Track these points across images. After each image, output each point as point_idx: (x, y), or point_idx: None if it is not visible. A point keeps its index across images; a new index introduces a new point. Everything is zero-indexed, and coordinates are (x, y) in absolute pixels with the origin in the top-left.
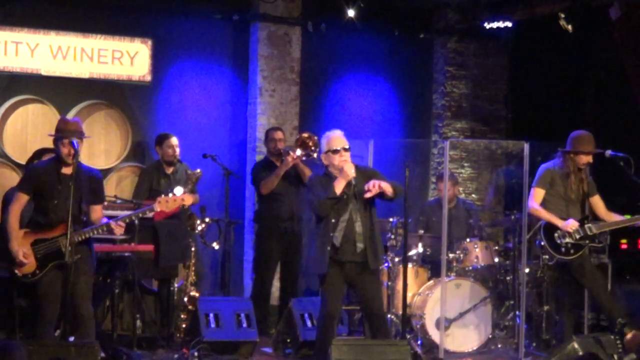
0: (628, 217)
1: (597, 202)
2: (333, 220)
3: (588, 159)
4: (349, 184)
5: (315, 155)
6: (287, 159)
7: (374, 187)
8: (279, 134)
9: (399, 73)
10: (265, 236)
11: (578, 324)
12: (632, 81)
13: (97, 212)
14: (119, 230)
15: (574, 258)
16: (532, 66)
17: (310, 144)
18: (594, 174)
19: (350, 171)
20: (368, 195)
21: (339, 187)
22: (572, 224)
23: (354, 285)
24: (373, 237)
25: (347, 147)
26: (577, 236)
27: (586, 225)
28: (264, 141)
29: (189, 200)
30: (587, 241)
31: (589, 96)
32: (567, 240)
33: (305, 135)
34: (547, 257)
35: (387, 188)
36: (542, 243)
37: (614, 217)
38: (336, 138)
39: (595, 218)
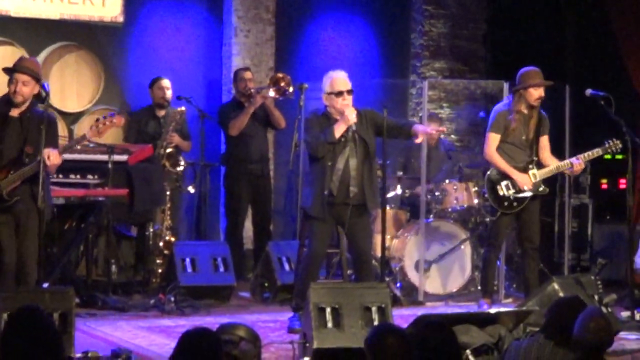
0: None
1: (544, 143)
2: (329, 163)
3: (539, 92)
4: (347, 128)
5: (290, 91)
6: (256, 97)
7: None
8: (248, 74)
9: (377, 12)
10: (234, 179)
11: (558, 265)
12: (616, 24)
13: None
14: (52, 167)
15: (516, 211)
16: (512, 5)
17: (283, 84)
18: (574, 114)
19: (352, 116)
20: (420, 139)
21: (338, 131)
22: (528, 183)
23: (344, 226)
24: (371, 180)
25: (350, 89)
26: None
27: (530, 172)
28: (232, 82)
29: (119, 121)
30: (530, 193)
31: (570, 36)
32: (511, 192)
33: (280, 75)
34: (489, 212)
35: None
36: (486, 195)
37: (555, 162)
38: (340, 79)
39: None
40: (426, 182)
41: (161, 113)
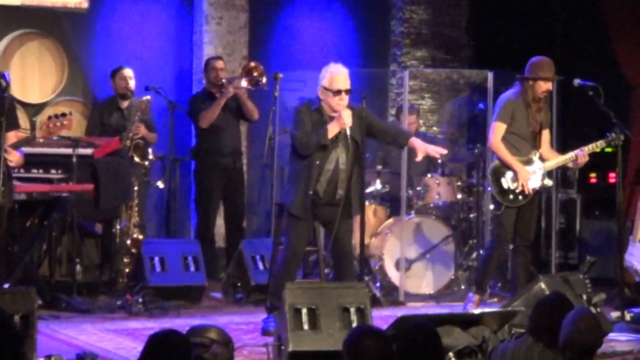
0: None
1: (545, 136)
2: (317, 162)
3: (547, 86)
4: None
5: (264, 81)
6: (228, 87)
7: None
8: (220, 63)
9: None
10: (205, 173)
11: (544, 263)
12: (606, 12)
13: (9, 140)
14: (17, 163)
15: (522, 205)
16: None
17: (256, 74)
18: (562, 104)
19: (348, 119)
20: (420, 158)
21: (332, 132)
22: (528, 181)
23: (326, 226)
24: (358, 184)
25: (349, 89)
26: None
27: (536, 165)
28: (203, 71)
29: (70, 123)
30: (537, 185)
31: (558, 22)
32: (517, 184)
33: (252, 64)
34: (493, 206)
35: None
36: (489, 188)
37: (557, 155)
38: (340, 77)
39: None
40: (407, 176)
41: (124, 104)
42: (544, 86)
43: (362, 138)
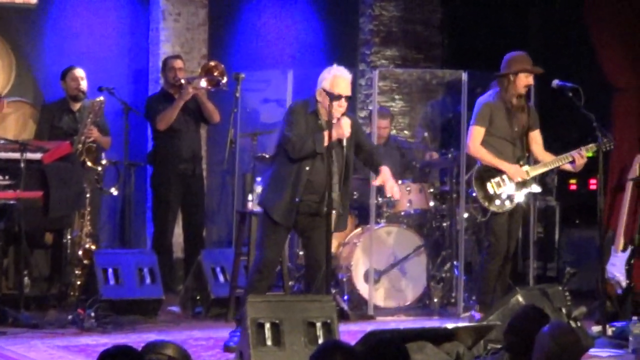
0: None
1: (536, 138)
2: (307, 168)
3: (528, 80)
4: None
5: (224, 81)
6: (187, 88)
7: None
8: (178, 62)
9: None
10: (162, 179)
11: (522, 274)
12: (586, 10)
13: None
14: None
15: (508, 210)
16: None
17: (217, 73)
18: (540, 106)
19: (347, 129)
20: (377, 184)
21: (328, 140)
22: (520, 174)
23: (303, 233)
24: (345, 197)
25: (350, 96)
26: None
27: (523, 168)
28: (160, 71)
29: (1, 106)
30: (522, 188)
31: (535, 20)
32: (503, 189)
33: (212, 63)
34: (478, 212)
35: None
36: (474, 194)
37: (549, 157)
38: (343, 81)
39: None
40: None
41: (76, 106)
42: (525, 80)
43: (352, 150)
